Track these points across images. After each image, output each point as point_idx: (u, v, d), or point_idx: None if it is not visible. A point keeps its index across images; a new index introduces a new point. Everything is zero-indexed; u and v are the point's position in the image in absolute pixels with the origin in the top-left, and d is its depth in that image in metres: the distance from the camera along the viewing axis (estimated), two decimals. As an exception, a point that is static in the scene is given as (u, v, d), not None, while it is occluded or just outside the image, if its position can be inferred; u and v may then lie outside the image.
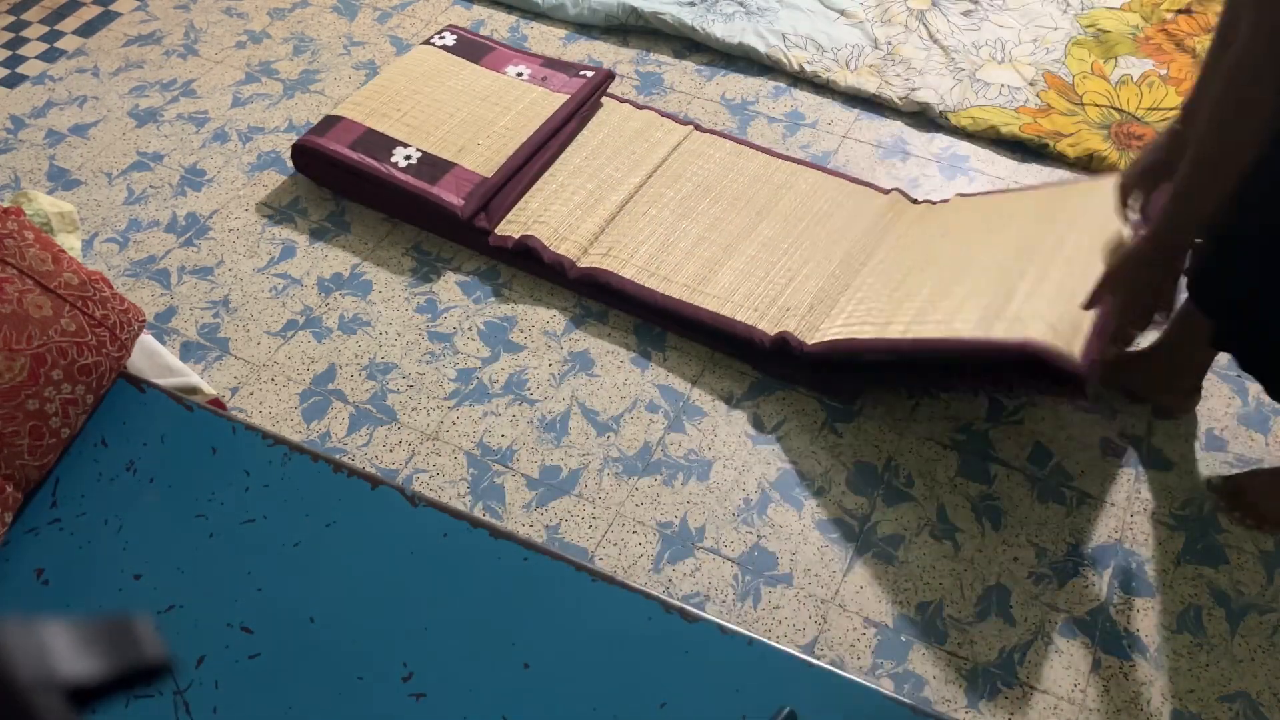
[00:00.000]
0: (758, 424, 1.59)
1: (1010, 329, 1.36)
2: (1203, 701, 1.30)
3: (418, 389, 1.64)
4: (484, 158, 1.88)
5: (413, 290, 1.79)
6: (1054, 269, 1.47)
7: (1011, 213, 1.70)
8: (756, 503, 1.50)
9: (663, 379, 1.65)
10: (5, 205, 1.15)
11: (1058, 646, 1.35)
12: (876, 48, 2.23)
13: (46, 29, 2.36)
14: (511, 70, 2.08)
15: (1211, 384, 1.63)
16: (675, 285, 1.71)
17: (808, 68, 2.18)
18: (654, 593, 1.02)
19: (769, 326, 1.64)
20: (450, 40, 2.15)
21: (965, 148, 2.05)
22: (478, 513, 1.48)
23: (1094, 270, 1.33)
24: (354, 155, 1.88)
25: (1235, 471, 1.53)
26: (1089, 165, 1.99)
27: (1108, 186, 1.57)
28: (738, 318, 1.65)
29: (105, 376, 1.16)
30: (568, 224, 1.80)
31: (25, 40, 2.33)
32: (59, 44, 2.31)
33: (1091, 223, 1.54)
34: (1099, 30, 2.27)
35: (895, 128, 2.09)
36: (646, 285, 1.71)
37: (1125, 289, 1.17)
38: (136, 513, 1.09)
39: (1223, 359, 1.67)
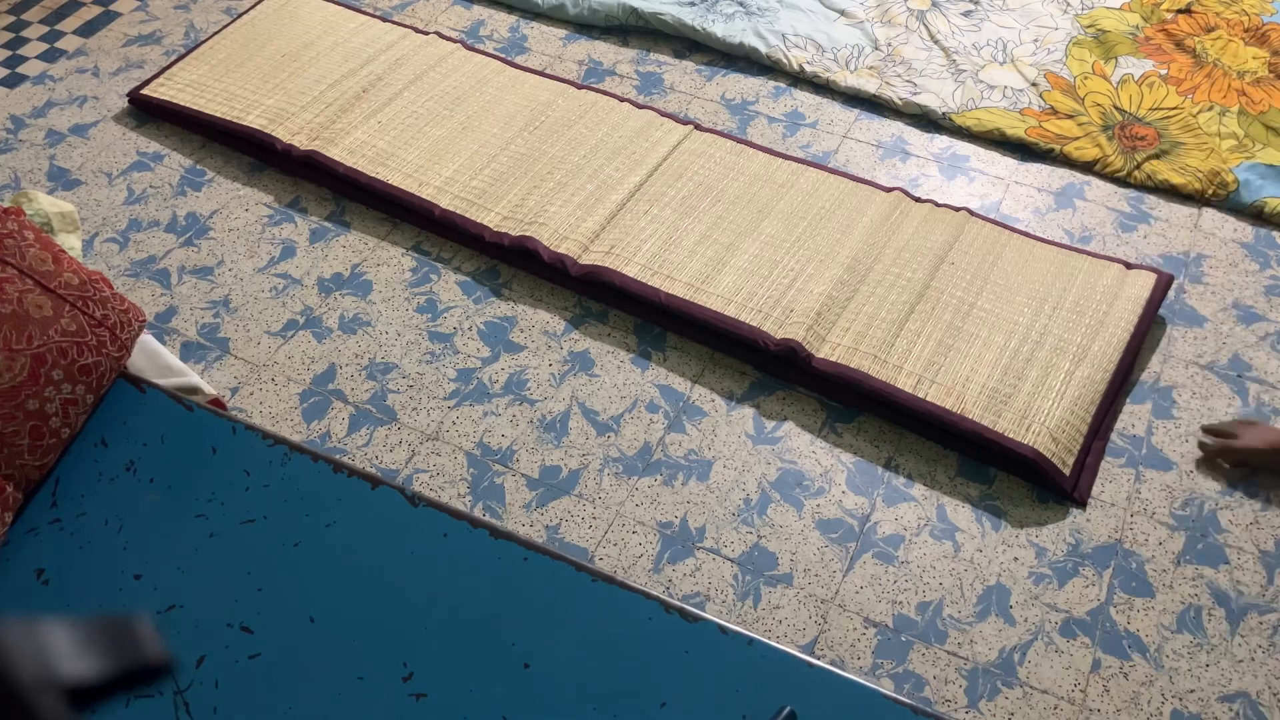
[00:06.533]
0: (758, 424, 1.59)
1: (1017, 427, 1.51)
2: (1203, 701, 1.30)
3: (418, 389, 1.64)
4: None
5: (413, 290, 1.79)
6: (1062, 360, 1.61)
7: (1024, 267, 1.75)
8: (756, 503, 1.50)
9: (663, 379, 1.65)
10: (5, 205, 1.15)
11: (1058, 646, 1.35)
12: (877, 48, 2.23)
13: (46, 29, 2.36)
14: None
15: (1211, 384, 1.64)
16: (678, 284, 1.71)
17: (808, 68, 2.17)
18: (654, 593, 1.02)
19: (773, 328, 1.64)
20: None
21: (965, 148, 2.05)
22: (478, 513, 1.48)
23: (1100, 373, 1.59)
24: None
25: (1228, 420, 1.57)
26: (1091, 168, 1.99)
27: (1125, 276, 1.73)
28: (741, 318, 1.65)
29: (105, 376, 1.16)
30: (568, 223, 1.80)
31: (25, 40, 2.33)
32: (59, 44, 2.31)
33: (1096, 311, 1.68)
34: (1099, 30, 2.27)
35: (895, 128, 2.09)
36: (650, 284, 1.71)
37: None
38: (136, 513, 1.09)
39: (1222, 360, 1.67)
